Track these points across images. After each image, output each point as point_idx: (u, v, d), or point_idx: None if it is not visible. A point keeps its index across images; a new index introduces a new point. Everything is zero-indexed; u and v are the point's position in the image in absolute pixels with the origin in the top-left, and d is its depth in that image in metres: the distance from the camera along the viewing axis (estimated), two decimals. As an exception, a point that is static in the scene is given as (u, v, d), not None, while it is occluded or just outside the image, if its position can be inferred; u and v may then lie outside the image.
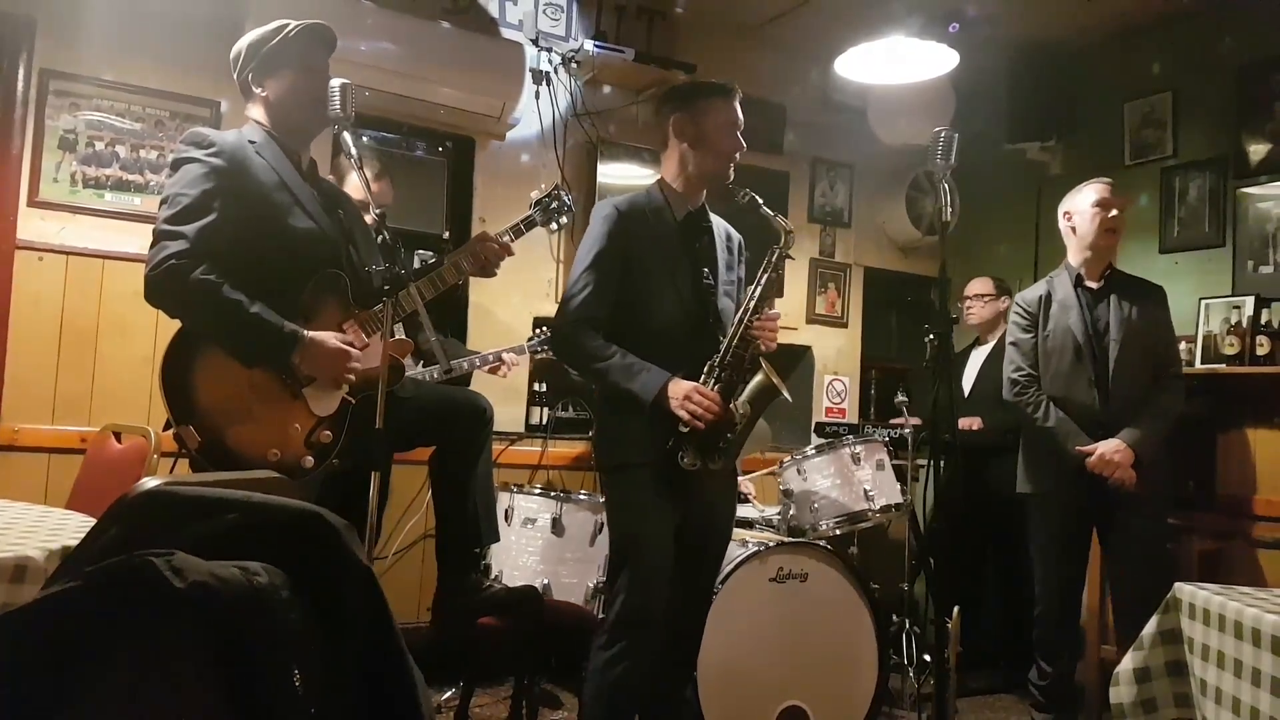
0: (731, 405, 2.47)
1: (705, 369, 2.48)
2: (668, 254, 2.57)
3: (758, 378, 2.51)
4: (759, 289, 2.54)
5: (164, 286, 2.18)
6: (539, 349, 3.58)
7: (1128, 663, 1.88)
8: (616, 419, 2.55)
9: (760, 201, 2.57)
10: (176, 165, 2.28)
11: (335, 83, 2.36)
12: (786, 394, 2.57)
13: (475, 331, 4.25)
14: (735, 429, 2.49)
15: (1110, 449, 3.16)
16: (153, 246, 2.20)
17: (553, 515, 3.23)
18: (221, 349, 2.24)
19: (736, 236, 2.77)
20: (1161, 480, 3.27)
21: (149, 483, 1.18)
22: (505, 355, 3.53)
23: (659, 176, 2.69)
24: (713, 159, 2.58)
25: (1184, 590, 1.80)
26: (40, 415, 3.49)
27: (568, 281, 2.58)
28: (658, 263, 2.55)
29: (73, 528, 1.79)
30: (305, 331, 2.27)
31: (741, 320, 2.52)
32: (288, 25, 2.42)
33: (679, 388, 2.42)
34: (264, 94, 2.43)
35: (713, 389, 2.44)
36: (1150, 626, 1.87)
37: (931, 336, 2.65)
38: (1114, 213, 3.32)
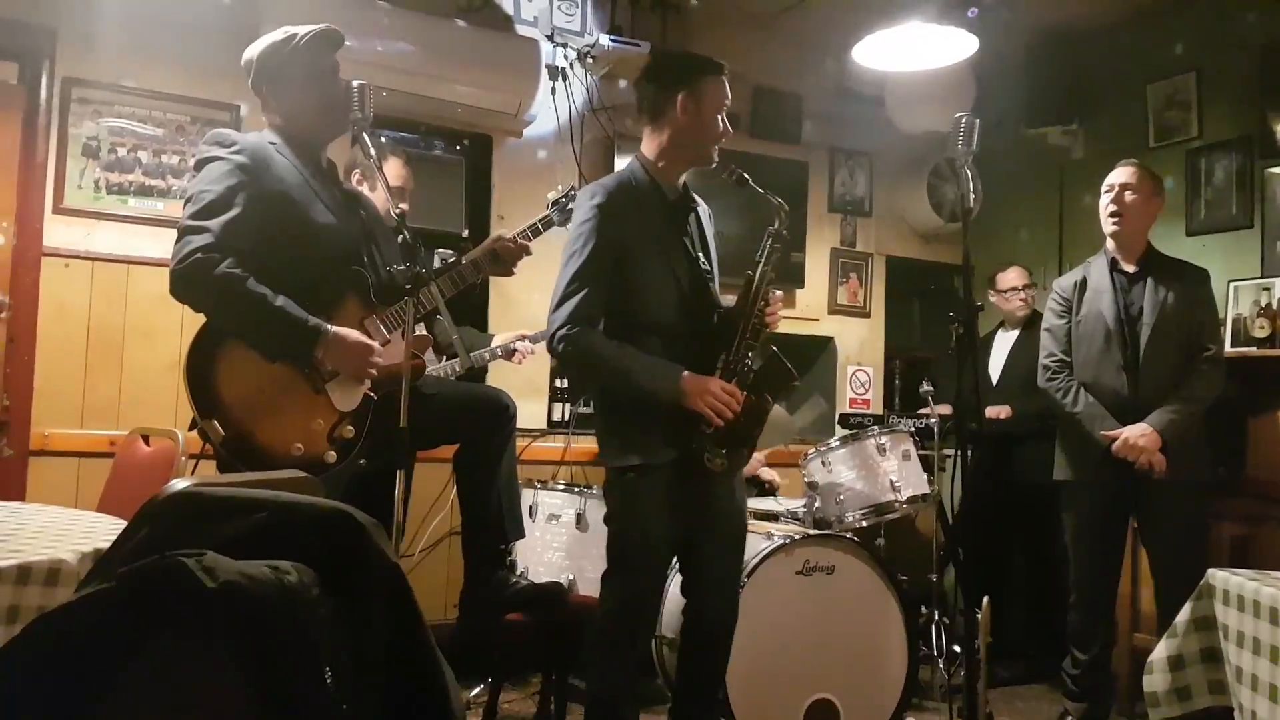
0: (752, 396, 2.40)
1: (720, 363, 2.39)
2: (662, 240, 2.44)
3: (771, 366, 2.45)
4: (760, 274, 2.43)
5: (189, 280, 2.19)
6: None
7: (1161, 650, 1.86)
8: (624, 420, 2.43)
9: (749, 179, 2.46)
10: (200, 164, 2.30)
11: (354, 84, 2.37)
12: (796, 375, 2.52)
13: (495, 328, 4.25)
14: (760, 420, 2.43)
15: (1135, 433, 3.12)
16: (178, 242, 2.22)
17: (576, 511, 3.23)
18: (245, 343, 2.25)
19: (706, 209, 2.63)
20: (1196, 464, 3.22)
21: (178, 484, 1.19)
22: (518, 345, 3.52)
23: (639, 153, 2.52)
24: (706, 138, 2.45)
25: (1217, 576, 1.77)
26: (69, 419, 3.53)
27: (558, 277, 2.41)
28: (653, 250, 2.42)
29: (104, 530, 1.81)
30: (328, 326, 2.28)
31: (750, 309, 2.42)
32: (295, 35, 2.41)
33: (699, 383, 2.32)
34: (278, 105, 2.44)
35: (731, 383, 2.37)
36: (1183, 613, 1.85)
37: (957, 324, 2.62)
38: (1114, 195, 3.26)
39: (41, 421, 3.49)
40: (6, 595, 1.48)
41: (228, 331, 2.24)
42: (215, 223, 2.19)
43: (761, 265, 2.45)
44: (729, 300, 2.54)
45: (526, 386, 4.31)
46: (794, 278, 4.94)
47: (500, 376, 4.14)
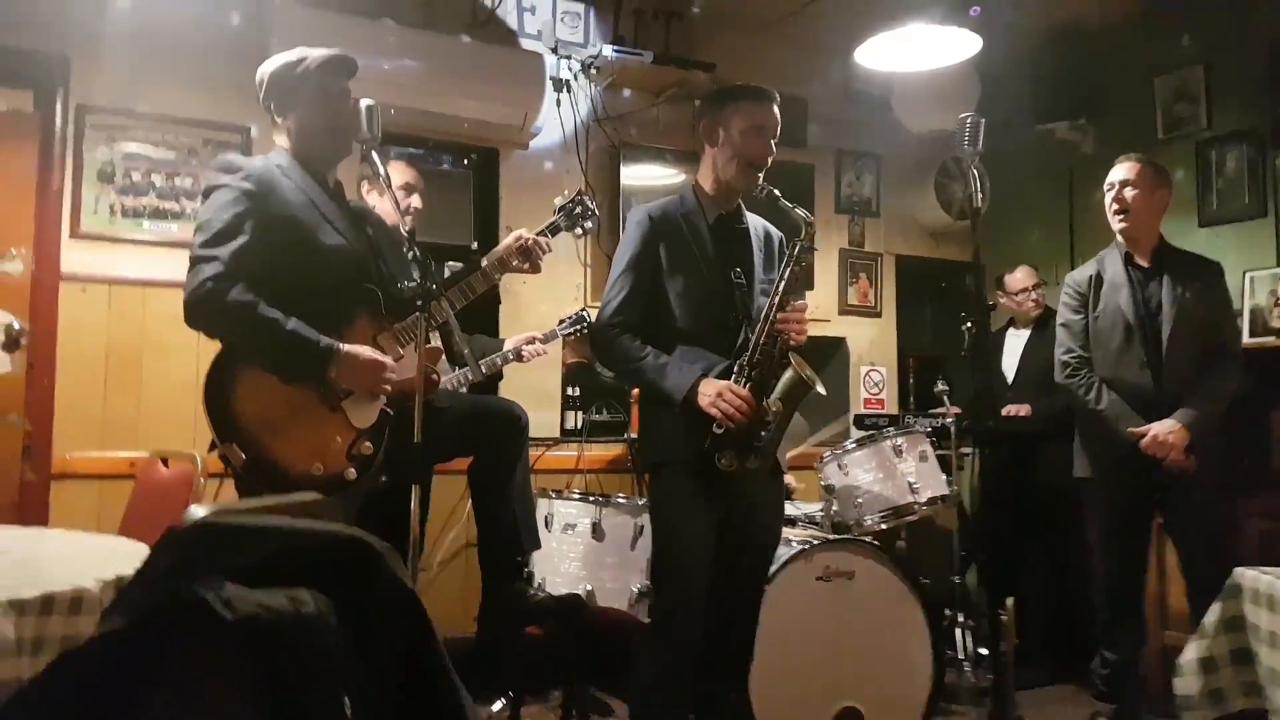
0: (764, 402, 2.46)
1: (735, 367, 2.49)
2: (699, 256, 2.60)
3: (788, 373, 2.49)
4: (782, 282, 2.55)
5: (202, 308, 2.22)
6: (571, 331, 3.59)
7: (1191, 652, 1.83)
8: (654, 418, 2.59)
9: (779, 195, 2.56)
10: (208, 192, 2.33)
11: (362, 104, 2.39)
12: (820, 387, 2.55)
13: (507, 333, 4.25)
14: (769, 427, 2.48)
15: (1164, 430, 3.09)
16: (189, 271, 2.24)
17: (592, 520, 3.23)
18: (260, 366, 2.27)
19: (777, 235, 2.76)
20: (1219, 459, 3.20)
21: (197, 512, 1.20)
22: (525, 350, 3.53)
23: (694, 179, 2.72)
24: (735, 165, 2.58)
25: (1245, 575, 1.75)
26: (89, 441, 3.57)
27: (607, 283, 2.65)
28: (689, 265, 2.58)
29: (124, 555, 1.83)
30: (340, 345, 2.30)
31: (767, 315, 2.51)
32: (307, 57, 2.43)
33: (710, 386, 2.44)
34: (286, 124, 2.46)
35: (744, 387, 2.44)
36: (1211, 613, 1.82)
37: (969, 325, 2.62)
38: (1115, 193, 3.24)
39: (62, 445, 3.52)
40: (30, 626, 1.49)
41: (243, 356, 2.26)
42: (224, 250, 2.22)
43: (781, 274, 2.56)
44: None
45: (538, 395, 4.32)
46: (803, 279, 4.93)
47: (512, 386, 4.16)
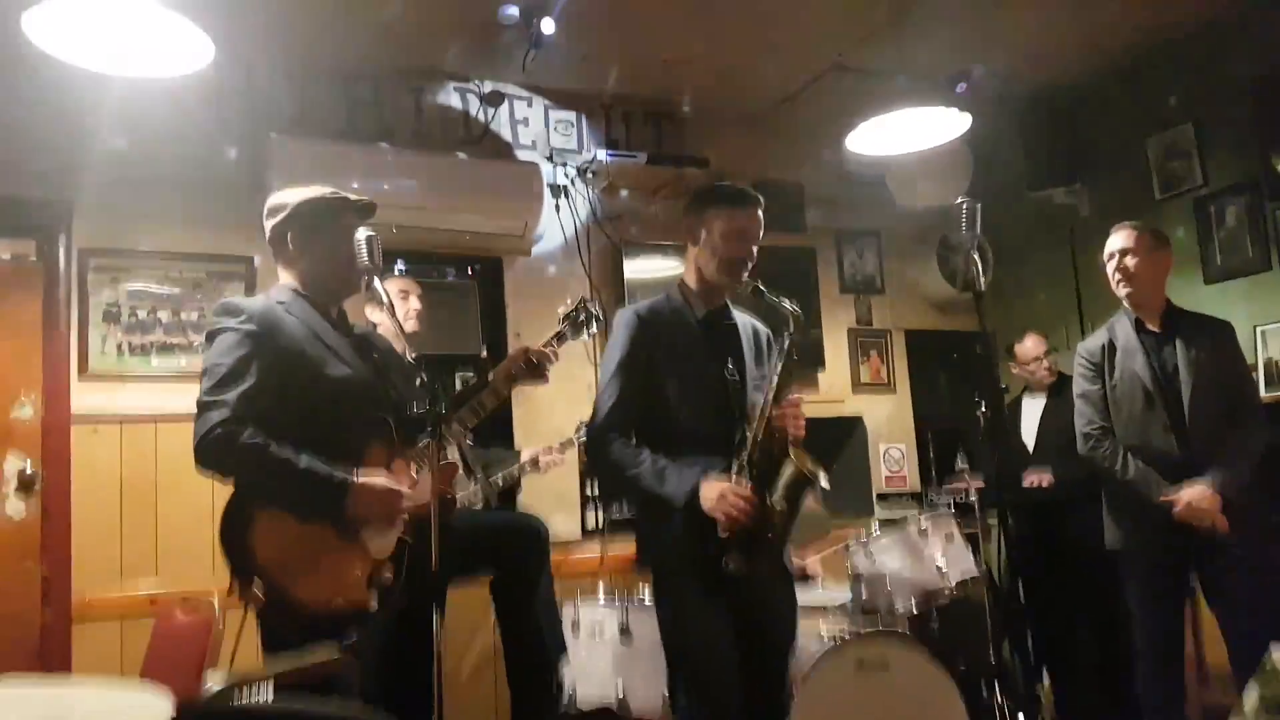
0: (768, 501, 2.40)
1: (735, 467, 2.43)
2: (690, 354, 2.56)
3: (789, 468, 2.44)
4: (776, 376, 2.50)
5: (212, 454, 2.22)
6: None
7: (1232, 734, 1.78)
8: (655, 523, 2.51)
9: (764, 290, 2.55)
10: (211, 337, 2.33)
11: (361, 235, 2.41)
12: (824, 481, 2.50)
13: (522, 442, 4.24)
14: (775, 526, 2.42)
15: (1197, 495, 3.03)
16: (197, 418, 2.24)
17: (619, 622, 3.19)
18: (276, 506, 2.25)
19: (765, 331, 2.74)
20: (1256, 519, 3.13)
21: (213, 686, 1.18)
22: (543, 460, 3.52)
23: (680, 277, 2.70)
24: (716, 265, 2.57)
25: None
26: (109, 581, 3.55)
27: (597, 389, 2.60)
28: (681, 364, 2.54)
29: (144, 716, 1.78)
30: (354, 478, 2.28)
31: (764, 411, 2.47)
32: (339, 195, 2.46)
33: (711, 489, 2.37)
34: (300, 257, 2.45)
35: (746, 487, 2.39)
36: (1249, 695, 1.77)
37: (983, 408, 2.59)
38: (1116, 263, 3.23)
39: (81, 585, 3.50)
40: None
41: (257, 496, 2.25)
42: (231, 395, 2.22)
43: (775, 368, 2.52)
44: None
45: (557, 500, 4.30)
46: (814, 361, 4.93)
47: (530, 490, 4.13)
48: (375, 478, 2.32)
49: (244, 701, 1.00)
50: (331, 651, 1.27)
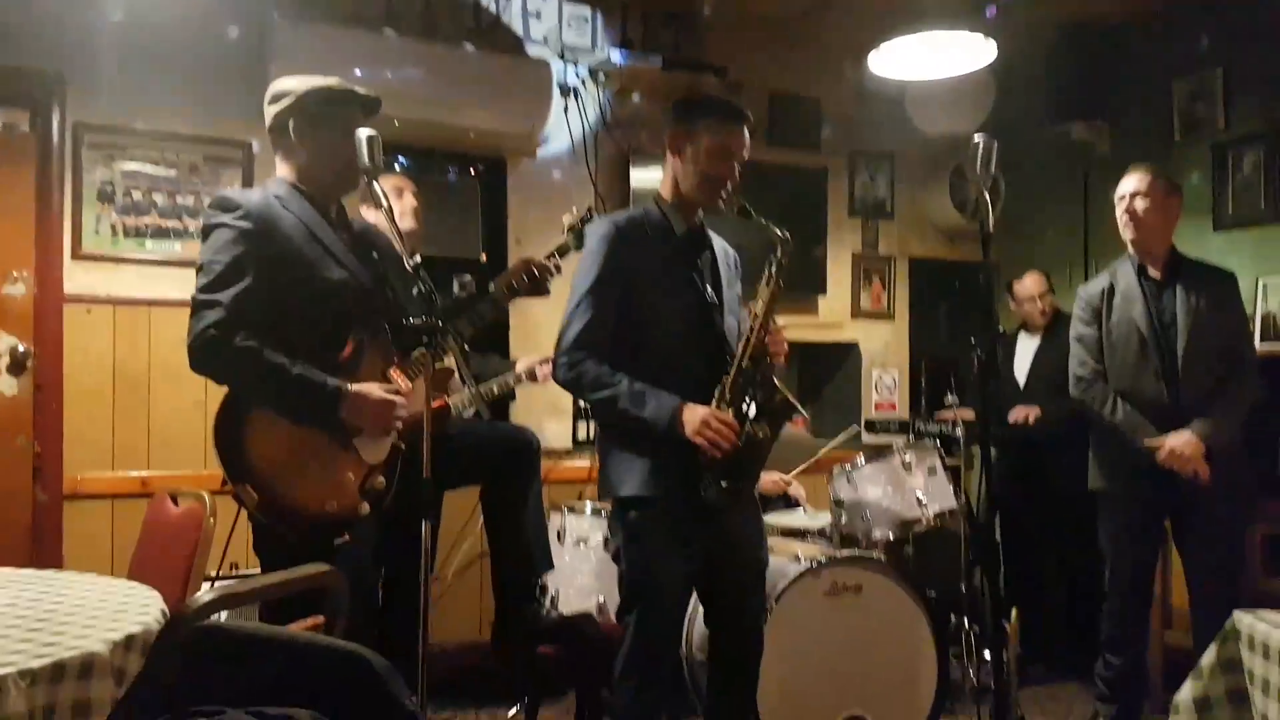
0: (750, 428, 2.37)
1: (716, 392, 2.38)
2: (671, 273, 2.46)
3: (774, 397, 2.42)
4: (764, 304, 2.43)
5: (206, 357, 2.21)
6: None
7: (1186, 691, 1.83)
8: (622, 451, 2.43)
9: (752, 211, 2.46)
10: (206, 232, 2.30)
11: (361, 134, 2.35)
12: (802, 410, 2.50)
13: (518, 352, 4.24)
14: (759, 452, 2.41)
15: (1180, 442, 3.07)
16: (192, 316, 2.22)
17: (604, 534, 3.22)
18: (270, 410, 2.26)
19: (733, 253, 2.65)
20: (1237, 471, 3.18)
21: (204, 597, 1.19)
22: (539, 368, 3.51)
23: (657, 190, 2.57)
24: (698, 182, 2.45)
25: (1243, 621, 1.74)
26: (101, 462, 3.58)
27: (567, 305, 2.45)
28: (661, 282, 2.44)
29: (135, 610, 1.81)
30: (349, 386, 2.28)
31: (749, 338, 2.42)
32: (345, 87, 2.40)
33: (694, 414, 2.31)
34: (300, 148, 2.39)
35: (728, 412, 2.35)
36: (1208, 655, 1.82)
37: (978, 351, 2.58)
38: (1126, 204, 3.20)
39: (73, 465, 3.53)
40: (42, 694, 1.48)
41: (251, 400, 2.25)
42: (226, 295, 2.19)
43: (762, 295, 2.45)
44: None
45: (550, 409, 4.32)
46: (816, 285, 4.90)
47: (524, 399, 4.17)
48: (370, 386, 2.32)
49: (231, 631, 1.01)
50: (320, 566, 1.28)
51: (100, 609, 1.86)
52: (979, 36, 3.65)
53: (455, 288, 4.19)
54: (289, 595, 1.52)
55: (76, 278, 3.57)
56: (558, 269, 2.87)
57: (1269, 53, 4.11)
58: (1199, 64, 4.35)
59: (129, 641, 1.64)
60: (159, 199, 3.67)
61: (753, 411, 2.40)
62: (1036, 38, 4.56)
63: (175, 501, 2.45)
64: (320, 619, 1.58)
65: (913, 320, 5.27)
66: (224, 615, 1.73)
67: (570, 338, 2.40)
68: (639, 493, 2.38)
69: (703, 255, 2.55)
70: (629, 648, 2.39)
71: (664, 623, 2.43)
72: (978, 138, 2.50)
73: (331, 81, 2.40)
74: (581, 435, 4.42)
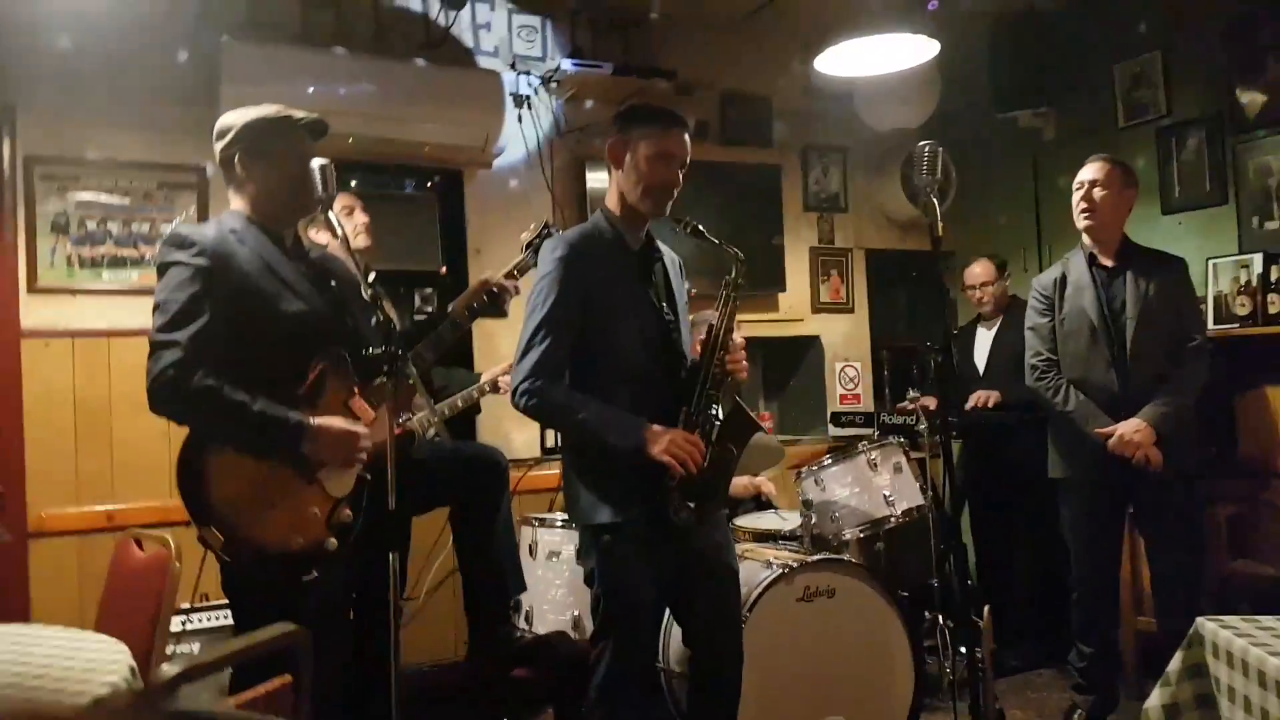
0: (715, 447, 2.39)
1: (681, 414, 2.38)
2: (628, 291, 2.45)
3: (734, 413, 2.44)
4: (723, 323, 2.44)
5: (165, 398, 2.19)
6: None
7: (1155, 699, 1.88)
8: (590, 475, 2.42)
9: (704, 230, 2.47)
10: (161, 270, 2.28)
11: (315, 164, 2.35)
12: (764, 426, 2.53)
13: (482, 363, 4.25)
14: (725, 471, 2.43)
15: (1130, 429, 3.15)
16: (150, 357, 2.20)
17: (576, 546, 3.23)
18: (232, 448, 2.25)
19: (676, 258, 2.63)
20: (1189, 453, 3.26)
21: (169, 670, 1.20)
22: (502, 380, 3.50)
23: (603, 204, 2.54)
24: (641, 190, 2.42)
25: (1206, 628, 1.79)
26: (65, 498, 3.54)
27: (522, 329, 2.41)
28: (618, 301, 2.42)
29: (104, 668, 1.81)
30: (311, 420, 2.28)
31: (710, 358, 2.42)
32: (284, 114, 2.38)
33: (658, 436, 2.29)
34: (249, 181, 2.38)
35: (694, 433, 2.35)
36: (1175, 662, 1.86)
37: (935, 352, 2.63)
38: (1084, 192, 3.27)
39: (38, 503, 3.49)
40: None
41: (213, 440, 2.24)
42: (183, 334, 2.18)
43: (720, 315, 2.46)
44: None
45: (516, 417, 4.25)
46: (776, 280, 4.94)
47: (491, 411, 4.16)
48: (333, 419, 2.32)
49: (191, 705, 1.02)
50: (285, 626, 1.29)
51: (69, 667, 1.87)
52: (922, 38, 3.68)
53: (416, 301, 4.19)
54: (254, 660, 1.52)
55: (33, 311, 3.53)
56: (516, 290, 2.88)
57: (1206, 35, 4.18)
58: (1138, 48, 4.42)
59: (97, 704, 1.66)
60: (114, 228, 3.64)
61: (715, 433, 2.42)
62: (979, 29, 4.61)
63: (140, 546, 2.44)
64: (288, 678, 1.60)
65: (872, 311, 5.33)
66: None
67: (529, 365, 2.36)
68: (611, 520, 2.37)
69: (655, 269, 2.55)
70: (605, 673, 2.39)
71: (640, 646, 2.45)
72: (922, 143, 2.55)
73: (269, 111, 2.38)
74: (550, 443, 4.42)
